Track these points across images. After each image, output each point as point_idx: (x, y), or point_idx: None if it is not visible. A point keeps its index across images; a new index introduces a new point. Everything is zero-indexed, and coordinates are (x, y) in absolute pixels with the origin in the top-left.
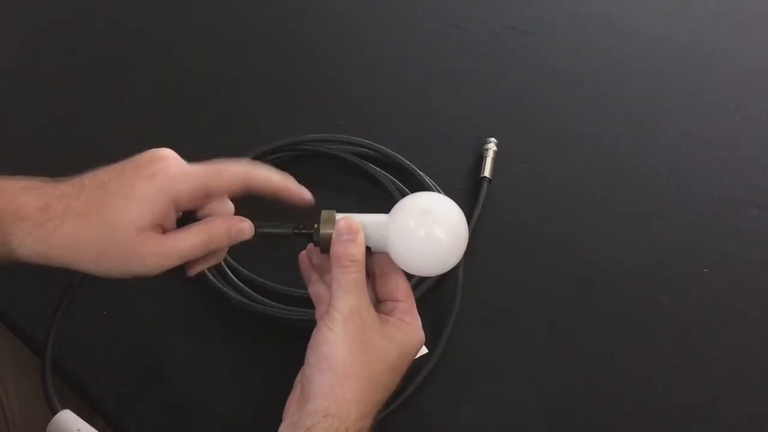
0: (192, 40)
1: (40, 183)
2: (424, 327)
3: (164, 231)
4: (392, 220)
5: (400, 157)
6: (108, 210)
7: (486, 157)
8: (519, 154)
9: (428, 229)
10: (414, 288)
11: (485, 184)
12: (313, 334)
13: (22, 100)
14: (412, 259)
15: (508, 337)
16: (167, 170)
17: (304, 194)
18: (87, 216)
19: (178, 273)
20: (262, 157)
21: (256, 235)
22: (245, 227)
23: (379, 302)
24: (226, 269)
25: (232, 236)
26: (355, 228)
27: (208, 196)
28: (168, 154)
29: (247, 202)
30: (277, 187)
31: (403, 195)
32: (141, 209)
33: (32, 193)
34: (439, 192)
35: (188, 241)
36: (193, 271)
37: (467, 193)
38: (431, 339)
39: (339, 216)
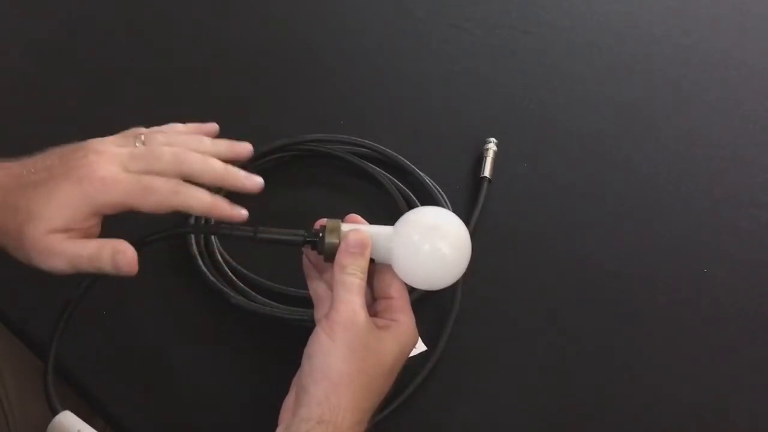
0: (192, 41)
1: None
2: (423, 326)
3: (80, 233)
4: (397, 234)
5: (400, 157)
6: (30, 208)
7: (486, 157)
8: (519, 154)
9: (432, 243)
10: (414, 288)
11: (485, 184)
12: (311, 339)
13: (22, 99)
14: (415, 272)
15: (508, 337)
16: (95, 176)
17: (235, 213)
18: (15, 211)
19: (178, 274)
20: (262, 157)
21: (262, 242)
22: (129, 258)
23: (374, 300)
24: (226, 269)
25: (115, 263)
26: (365, 242)
27: (132, 210)
28: (102, 148)
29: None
30: (203, 212)
31: (404, 195)
32: (59, 212)
33: None
34: (440, 195)
35: (78, 252)
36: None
37: (467, 193)
38: (431, 339)
39: (345, 227)
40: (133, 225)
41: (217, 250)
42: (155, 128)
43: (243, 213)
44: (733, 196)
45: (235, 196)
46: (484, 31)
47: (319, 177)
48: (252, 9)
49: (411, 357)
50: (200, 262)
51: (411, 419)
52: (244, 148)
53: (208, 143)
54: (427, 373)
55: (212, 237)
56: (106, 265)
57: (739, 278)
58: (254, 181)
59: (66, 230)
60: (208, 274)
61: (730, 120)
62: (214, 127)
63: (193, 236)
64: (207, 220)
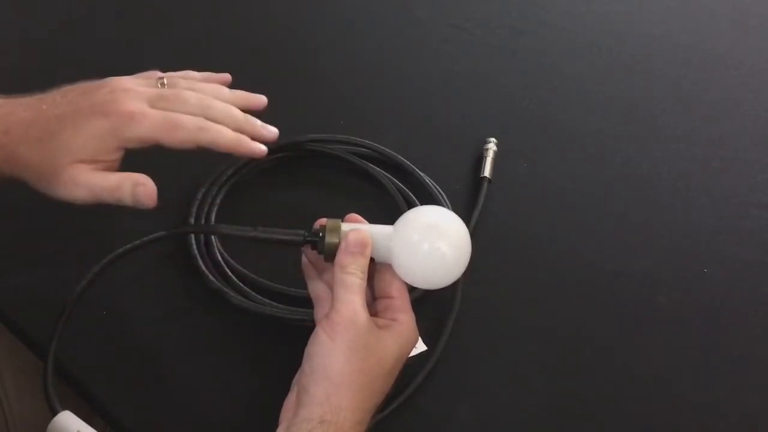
0: (191, 41)
1: (2, 102)
2: (423, 326)
3: (104, 166)
4: (397, 233)
5: (400, 157)
6: (57, 138)
7: (486, 157)
8: (519, 154)
9: (432, 243)
10: (414, 287)
11: (485, 184)
12: (311, 339)
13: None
14: (415, 272)
15: (508, 337)
16: (123, 110)
17: (255, 148)
18: (39, 142)
19: (178, 274)
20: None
21: (262, 242)
22: (148, 190)
23: (374, 299)
24: (226, 269)
25: (136, 195)
26: (365, 242)
27: (158, 144)
28: (128, 86)
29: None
30: (228, 147)
31: (404, 195)
32: (86, 143)
33: None
34: (440, 195)
35: (100, 183)
36: None
37: (467, 193)
38: (431, 338)
39: (346, 226)
40: (134, 225)
41: (217, 250)
42: (173, 73)
43: (263, 148)
44: (733, 196)
45: (239, 194)
46: (484, 31)
47: (319, 177)
48: (252, 9)
49: (411, 357)
50: (200, 262)
51: (411, 419)
52: (259, 100)
53: (227, 92)
54: (427, 373)
55: (212, 237)
56: (126, 196)
57: (739, 278)
58: (270, 131)
59: (92, 162)
60: (208, 274)
61: (730, 120)
62: (227, 77)
63: (193, 236)
64: (207, 220)
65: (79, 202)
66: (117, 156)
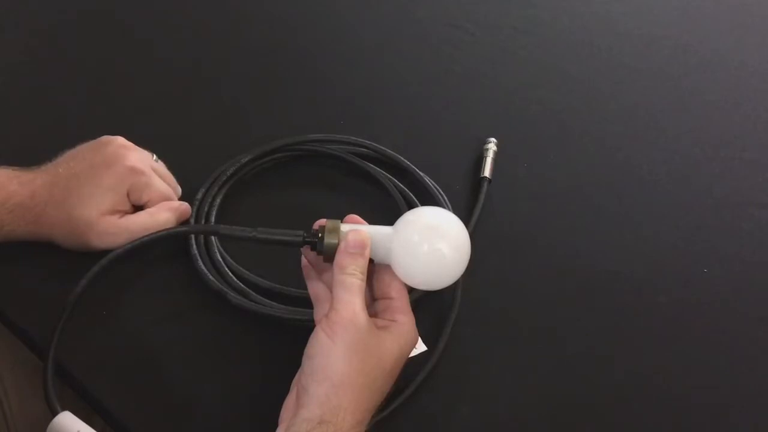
0: (192, 41)
1: (20, 172)
2: (423, 326)
3: (122, 214)
4: (396, 234)
5: (400, 157)
6: (78, 195)
7: (486, 157)
8: (519, 154)
9: (432, 243)
10: (413, 288)
11: (485, 184)
12: (311, 340)
13: (21, 99)
14: (414, 272)
15: (508, 337)
16: (126, 162)
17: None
18: (64, 202)
19: (178, 274)
20: (262, 157)
21: (262, 242)
22: (186, 210)
23: (373, 301)
24: (226, 269)
25: (175, 223)
26: (364, 243)
27: (144, 193)
28: (126, 151)
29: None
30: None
31: (404, 195)
32: (104, 196)
33: (18, 182)
34: (440, 195)
35: (135, 225)
36: None
37: (467, 193)
38: (431, 339)
39: (345, 227)
40: None
41: (217, 250)
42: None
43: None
44: (733, 196)
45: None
46: (484, 31)
47: (319, 177)
48: (252, 9)
49: (411, 357)
50: (200, 262)
51: (411, 419)
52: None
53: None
54: (427, 373)
55: (212, 237)
56: (171, 223)
57: (739, 278)
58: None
59: (113, 212)
60: (208, 274)
61: (730, 120)
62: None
63: (193, 236)
64: (207, 220)
65: (116, 247)
66: (128, 201)
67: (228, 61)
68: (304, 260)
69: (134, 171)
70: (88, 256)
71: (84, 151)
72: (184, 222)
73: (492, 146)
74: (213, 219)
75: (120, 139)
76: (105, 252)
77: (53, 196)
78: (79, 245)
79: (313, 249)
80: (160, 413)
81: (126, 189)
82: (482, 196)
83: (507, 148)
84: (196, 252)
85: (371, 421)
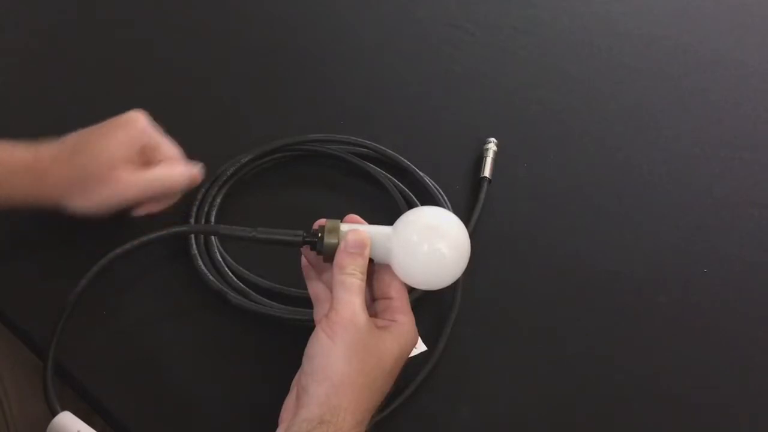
0: (192, 41)
1: (23, 142)
2: (423, 326)
3: (135, 170)
4: (396, 234)
5: (400, 157)
6: (89, 150)
7: (486, 157)
8: (519, 154)
9: (432, 243)
10: (413, 288)
11: (485, 184)
12: (311, 340)
13: (21, 100)
14: (414, 272)
15: (508, 337)
16: (138, 124)
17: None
18: (72, 158)
19: (178, 274)
20: (262, 157)
21: (261, 242)
22: (198, 173)
23: (373, 301)
24: (226, 269)
25: (189, 180)
26: (364, 242)
27: (155, 155)
28: (138, 115)
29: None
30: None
31: (404, 195)
32: (118, 148)
33: (21, 148)
34: (440, 195)
35: (151, 175)
36: (140, 211)
37: (467, 193)
38: (431, 339)
39: (345, 227)
40: (133, 225)
41: (217, 250)
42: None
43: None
44: (733, 196)
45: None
46: (484, 31)
47: (319, 177)
48: (252, 9)
49: (411, 357)
50: (200, 262)
51: (411, 419)
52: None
53: None
54: (427, 373)
55: (212, 237)
56: (182, 179)
57: (739, 278)
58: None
59: (126, 164)
60: (208, 274)
61: (730, 120)
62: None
63: (193, 236)
64: (207, 220)
65: (127, 202)
66: (138, 162)
67: (228, 61)
68: (304, 260)
69: (147, 131)
70: (88, 255)
71: (94, 125)
72: (184, 222)
73: (492, 146)
74: (213, 219)
75: (134, 112)
76: (105, 252)
77: (60, 153)
78: (89, 203)
79: (312, 249)
80: (160, 413)
81: (139, 147)
82: (482, 196)
83: (507, 148)
84: (196, 252)
85: (371, 421)
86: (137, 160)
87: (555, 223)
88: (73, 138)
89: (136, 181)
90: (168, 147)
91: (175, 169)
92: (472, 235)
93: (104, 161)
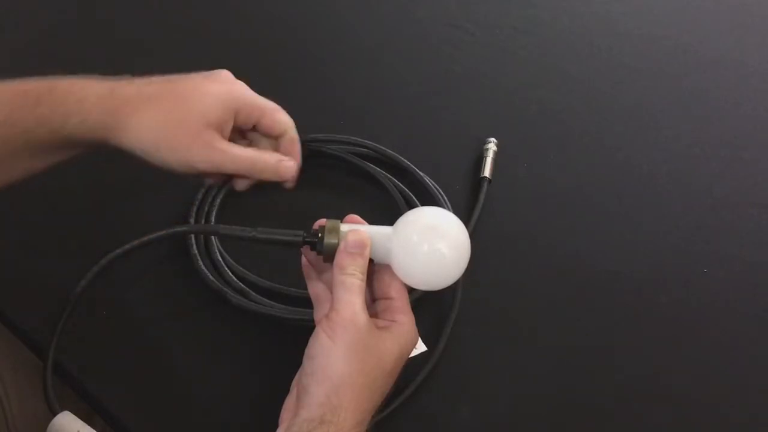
0: (191, 41)
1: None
2: (423, 326)
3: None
4: (396, 234)
5: (400, 157)
6: (183, 98)
7: (486, 157)
8: (519, 154)
9: (432, 244)
10: (414, 288)
11: (485, 184)
12: (311, 340)
13: None
14: (414, 273)
15: (508, 337)
16: (234, 82)
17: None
18: (159, 101)
19: (178, 274)
20: None
21: (261, 242)
22: (293, 166)
23: (373, 301)
24: (226, 269)
25: (279, 169)
26: (364, 243)
27: (257, 122)
28: (230, 74)
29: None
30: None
31: (404, 195)
32: (215, 105)
33: (97, 81)
34: (440, 195)
35: (243, 152)
36: (240, 186)
37: (467, 193)
38: (431, 339)
39: (345, 227)
40: (133, 225)
41: (217, 250)
42: None
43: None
44: (733, 196)
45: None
46: (484, 31)
47: (319, 177)
48: (252, 9)
49: (411, 357)
50: (200, 262)
51: (411, 419)
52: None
53: None
54: (427, 373)
55: (212, 237)
56: (271, 169)
57: (739, 278)
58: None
59: (218, 127)
60: (208, 274)
61: (730, 120)
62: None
63: (193, 236)
64: (207, 220)
65: (205, 168)
66: (230, 126)
67: (228, 61)
68: (304, 260)
69: (248, 91)
70: (88, 255)
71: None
72: (184, 222)
73: (492, 146)
74: (213, 219)
75: (224, 70)
76: (105, 252)
77: (143, 92)
78: (170, 156)
79: (313, 249)
80: (160, 413)
81: (237, 108)
82: (482, 196)
83: (507, 148)
84: (196, 252)
85: (371, 421)
86: (227, 124)
87: (555, 223)
88: (161, 79)
89: (227, 149)
90: (276, 108)
91: (269, 160)
92: (472, 235)
93: (199, 116)
